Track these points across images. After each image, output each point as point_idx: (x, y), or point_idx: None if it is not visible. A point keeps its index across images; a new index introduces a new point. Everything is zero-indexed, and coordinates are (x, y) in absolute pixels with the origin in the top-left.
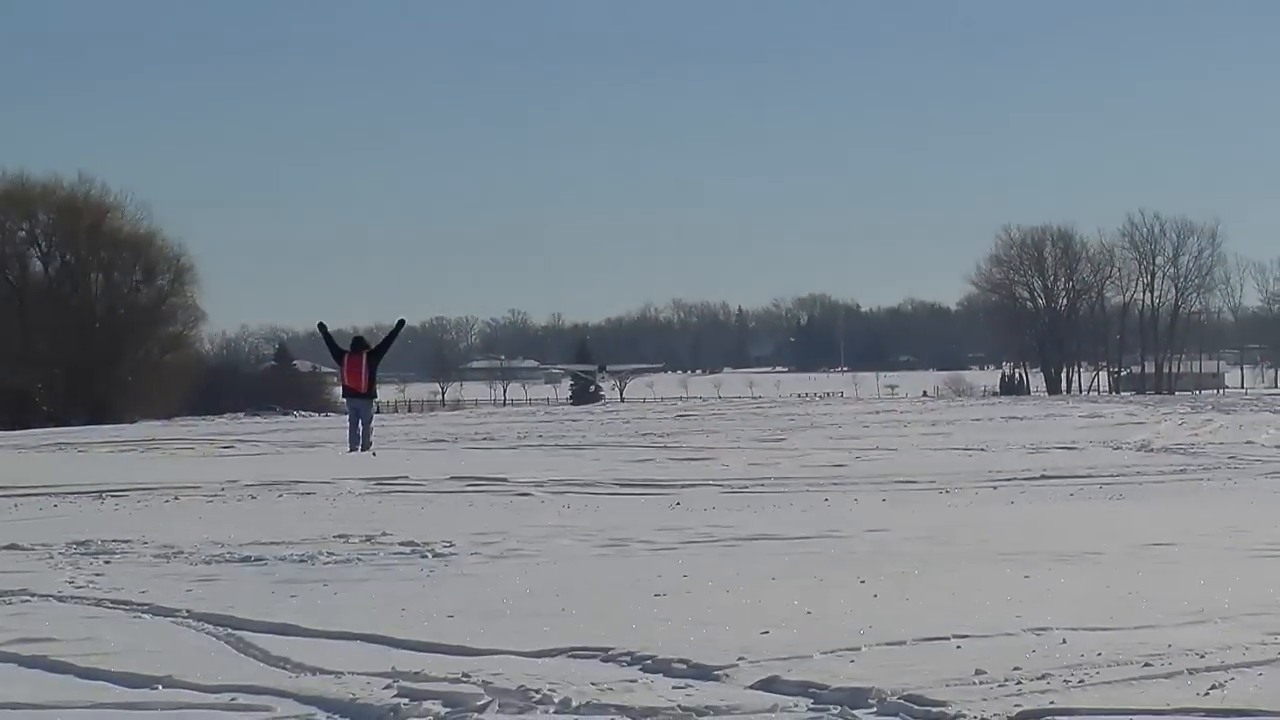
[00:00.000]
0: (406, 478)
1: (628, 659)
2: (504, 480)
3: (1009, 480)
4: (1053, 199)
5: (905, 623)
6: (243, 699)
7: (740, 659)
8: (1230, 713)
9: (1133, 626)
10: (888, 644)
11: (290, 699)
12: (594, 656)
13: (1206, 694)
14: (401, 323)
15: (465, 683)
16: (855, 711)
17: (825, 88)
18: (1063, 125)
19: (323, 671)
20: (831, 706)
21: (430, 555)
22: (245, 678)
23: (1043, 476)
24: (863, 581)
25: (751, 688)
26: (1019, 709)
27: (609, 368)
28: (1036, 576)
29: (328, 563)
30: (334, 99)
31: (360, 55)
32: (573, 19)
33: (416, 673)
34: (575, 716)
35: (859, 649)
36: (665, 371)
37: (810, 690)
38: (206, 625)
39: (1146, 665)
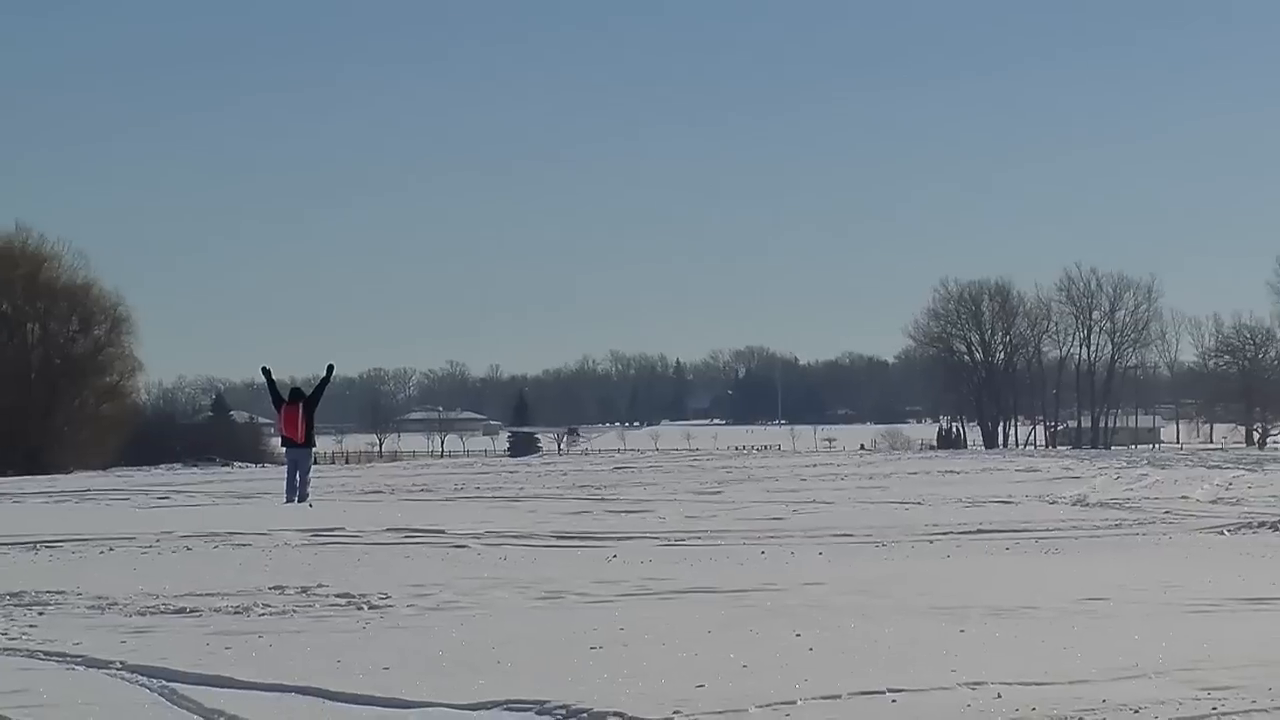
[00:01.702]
0: (343, 529)
1: (563, 712)
2: (441, 532)
3: (945, 534)
4: (990, 253)
5: (841, 676)
6: None
7: (675, 712)
8: None
9: (1067, 681)
10: (823, 697)
11: None
12: (529, 709)
13: None
14: (331, 368)
15: None
16: None
17: (764, 140)
18: (1000, 179)
19: None
20: None
21: (366, 607)
22: None
23: (979, 530)
24: (799, 635)
25: None
26: None
27: (579, 429)
28: (972, 630)
29: (263, 614)
30: (270, 150)
31: (295, 107)
32: (505, 71)
33: None
34: None
35: (794, 702)
36: (642, 427)
37: None
38: (140, 677)
39: None
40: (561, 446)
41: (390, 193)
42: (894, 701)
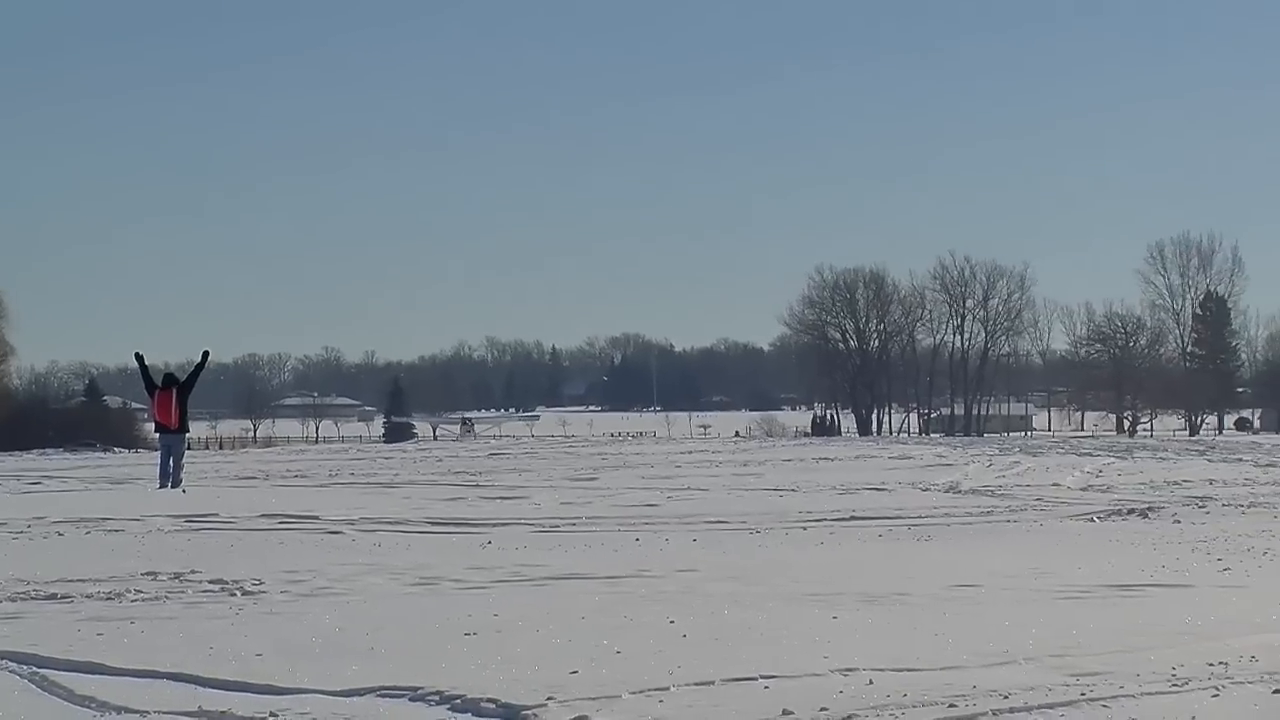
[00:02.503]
0: (216, 515)
1: (436, 698)
2: (315, 518)
3: (819, 521)
4: (865, 241)
5: (714, 663)
6: None
7: (549, 699)
8: None
9: (939, 667)
10: (696, 684)
11: None
12: (403, 696)
13: None
14: (206, 354)
15: None
16: None
17: (643, 127)
18: (876, 167)
19: (128, 710)
20: None
21: (239, 593)
22: (48, 717)
23: (852, 517)
24: (672, 621)
25: None
26: None
27: (471, 417)
28: (844, 617)
29: (135, 600)
30: (142, 132)
31: (167, 90)
32: (382, 58)
33: (223, 711)
34: None
35: (668, 689)
36: (518, 414)
37: None
38: (10, 664)
39: (951, 706)
40: (449, 435)
41: (264, 178)
42: (766, 688)
